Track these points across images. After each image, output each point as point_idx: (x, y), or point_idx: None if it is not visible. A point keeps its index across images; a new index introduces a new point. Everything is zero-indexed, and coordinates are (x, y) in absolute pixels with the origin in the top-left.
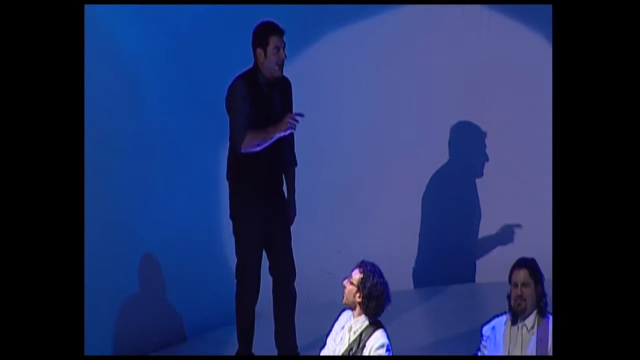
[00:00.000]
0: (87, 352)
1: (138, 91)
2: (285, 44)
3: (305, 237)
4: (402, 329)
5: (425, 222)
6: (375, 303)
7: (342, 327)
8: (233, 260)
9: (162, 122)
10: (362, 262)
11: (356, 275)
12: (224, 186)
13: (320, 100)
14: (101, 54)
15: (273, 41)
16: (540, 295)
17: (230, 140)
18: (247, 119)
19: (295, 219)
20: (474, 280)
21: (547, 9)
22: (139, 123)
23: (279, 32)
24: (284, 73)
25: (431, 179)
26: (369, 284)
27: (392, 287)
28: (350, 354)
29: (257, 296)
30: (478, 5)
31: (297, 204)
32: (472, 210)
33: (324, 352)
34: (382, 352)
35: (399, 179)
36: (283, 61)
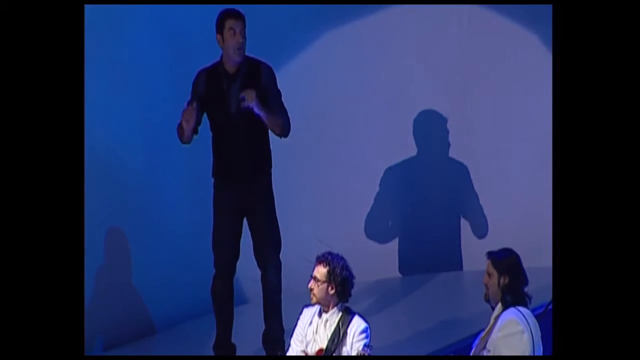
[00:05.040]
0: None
1: (138, 91)
2: (244, 27)
3: (287, 226)
4: (390, 317)
5: (410, 211)
6: (349, 284)
7: (310, 324)
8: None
9: (162, 121)
10: (318, 257)
11: (321, 270)
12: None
13: (306, 93)
14: (101, 54)
15: (228, 24)
16: (505, 288)
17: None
18: (188, 111)
19: (277, 209)
20: (461, 269)
21: (547, 9)
22: (139, 123)
23: (235, 15)
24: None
25: (416, 166)
26: (338, 270)
27: (377, 276)
28: (333, 346)
29: (230, 282)
30: (478, 5)
31: (279, 195)
32: (459, 199)
33: (290, 354)
34: (363, 336)
35: (379, 169)
36: (241, 44)
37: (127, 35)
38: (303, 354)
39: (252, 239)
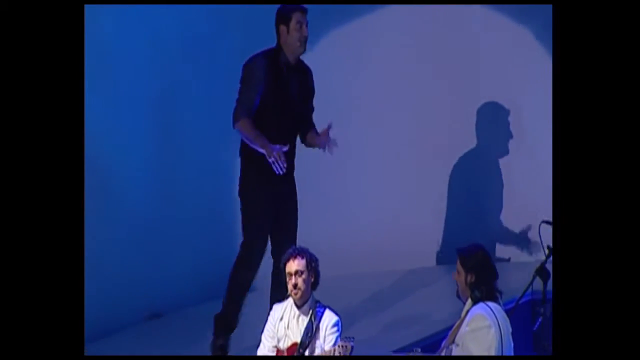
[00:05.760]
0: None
1: (138, 91)
2: (307, 22)
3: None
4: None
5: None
6: (319, 273)
7: (281, 319)
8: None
9: (162, 120)
10: (290, 253)
11: (300, 262)
12: (220, 184)
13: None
14: (101, 54)
15: (296, 17)
16: (473, 285)
17: (233, 110)
18: (253, 98)
19: None
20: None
21: (547, 8)
22: (139, 122)
23: (302, 9)
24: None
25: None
26: (312, 260)
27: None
28: (307, 339)
29: (256, 272)
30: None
31: None
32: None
33: (262, 350)
34: (335, 329)
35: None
36: (306, 38)
37: (127, 35)
38: (275, 350)
39: (277, 231)
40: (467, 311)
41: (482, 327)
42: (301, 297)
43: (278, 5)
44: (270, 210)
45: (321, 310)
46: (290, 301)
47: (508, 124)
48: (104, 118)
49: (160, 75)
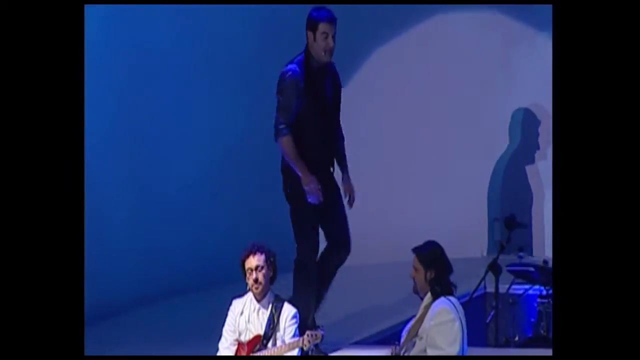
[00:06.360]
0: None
1: (138, 90)
2: (335, 32)
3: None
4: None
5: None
6: (277, 266)
7: (241, 314)
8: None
9: (162, 120)
10: (248, 250)
11: (259, 257)
12: (220, 182)
13: None
14: (101, 54)
15: (322, 27)
16: (433, 281)
17: (275, 120)
18: (292, 108)
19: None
20: None
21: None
22: (139, 122)
23: (330, 19)
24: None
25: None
26: (272, 258)
27: None
28: (270, 331)
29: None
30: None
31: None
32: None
33: (223, 344)
34: (294, 321)
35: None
36: (331, 49)
37: (127, 35)
38: (236, 343)
39: (329, 228)
40: (427, 306)
41: (447, 321)
42: (262, 291)
43: (280, 5)
44: (318, 211)
45: (279, 303)
46: (249, 295)
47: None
48: (103, 118)
49: (160, 74)
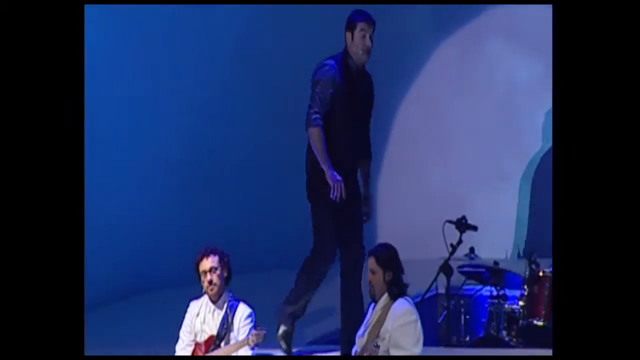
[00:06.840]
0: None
1: (137, 90)
2: (373, 32)
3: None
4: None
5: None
6: (231, 267)
7: (197, 315)
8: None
9: (161, 120)
10: (202, 252)
11: (213, 259)
12: (219, 179)
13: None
14: (101, 53)
15: (360, 25)
16: (391, 282)
17: (308, 110)
18: (328, 100)
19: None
20: None
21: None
22: (139, 122)
23: (368, 19)
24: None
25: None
26: (226, 259)
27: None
28: (223, 331)
29: (326, 274)
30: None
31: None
32: None
33: (180, 345)
34: (249, 321)
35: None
36: (369, 48)
37: (127, 35)
38: (193, 344)
39: (344, 232)
40: (385, 307)
41: (411, 322)
42: (217, 292)
43: (282, 5)
44: (338, 213)
45: (235, 303)
46: (205, 297)
47: None
48: (103, 117)
49: (159, 74)
